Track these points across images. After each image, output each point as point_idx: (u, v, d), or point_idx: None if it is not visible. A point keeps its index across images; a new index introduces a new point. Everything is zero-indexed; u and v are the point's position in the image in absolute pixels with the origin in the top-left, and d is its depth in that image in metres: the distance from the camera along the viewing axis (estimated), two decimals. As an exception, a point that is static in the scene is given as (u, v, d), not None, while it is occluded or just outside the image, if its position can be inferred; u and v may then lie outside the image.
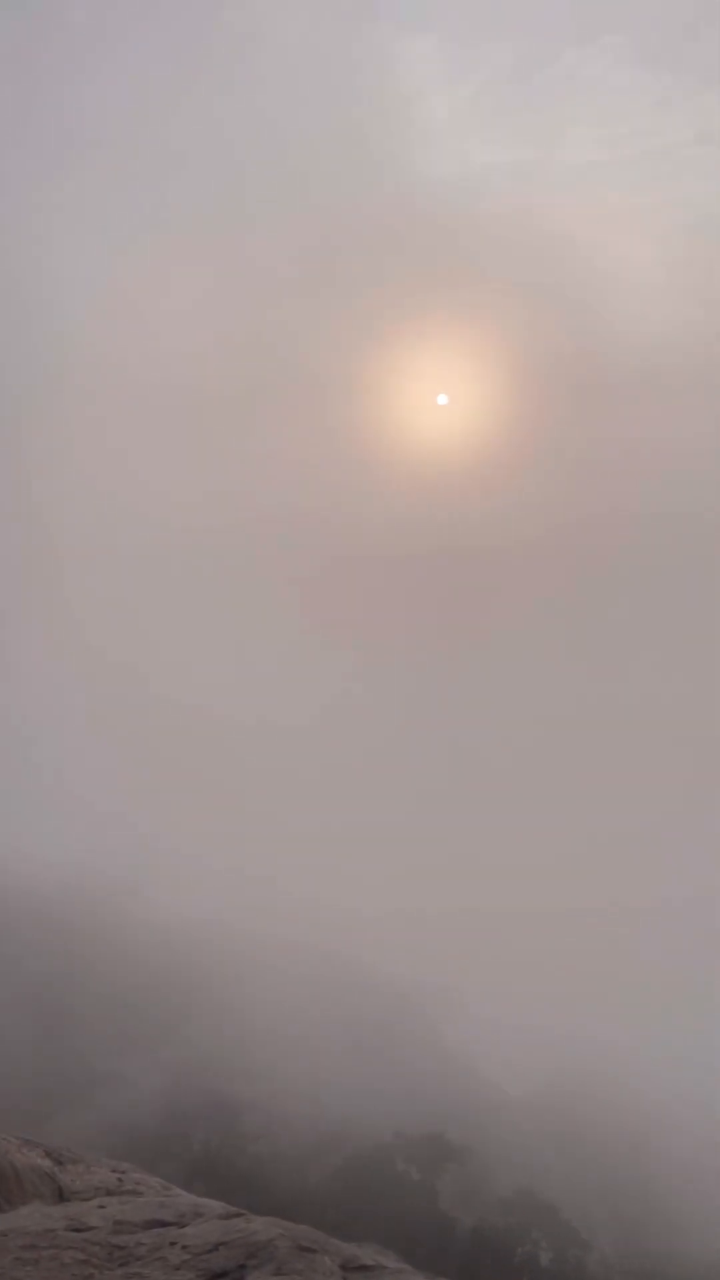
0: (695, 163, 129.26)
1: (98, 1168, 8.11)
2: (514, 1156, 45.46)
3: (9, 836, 59.41)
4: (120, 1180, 7.82)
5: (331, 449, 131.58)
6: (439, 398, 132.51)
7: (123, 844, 64.59)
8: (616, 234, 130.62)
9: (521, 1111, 49.80)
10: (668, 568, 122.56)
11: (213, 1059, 44.84)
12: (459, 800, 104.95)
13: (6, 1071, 40.94)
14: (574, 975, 66.66)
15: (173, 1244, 6.01)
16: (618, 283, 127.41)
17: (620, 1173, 44.48)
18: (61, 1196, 7.12)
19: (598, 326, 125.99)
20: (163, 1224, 6.52)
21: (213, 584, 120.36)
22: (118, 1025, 47.31)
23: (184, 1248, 5.93)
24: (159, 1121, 41.45)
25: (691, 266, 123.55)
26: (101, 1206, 6.78)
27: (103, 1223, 6.31)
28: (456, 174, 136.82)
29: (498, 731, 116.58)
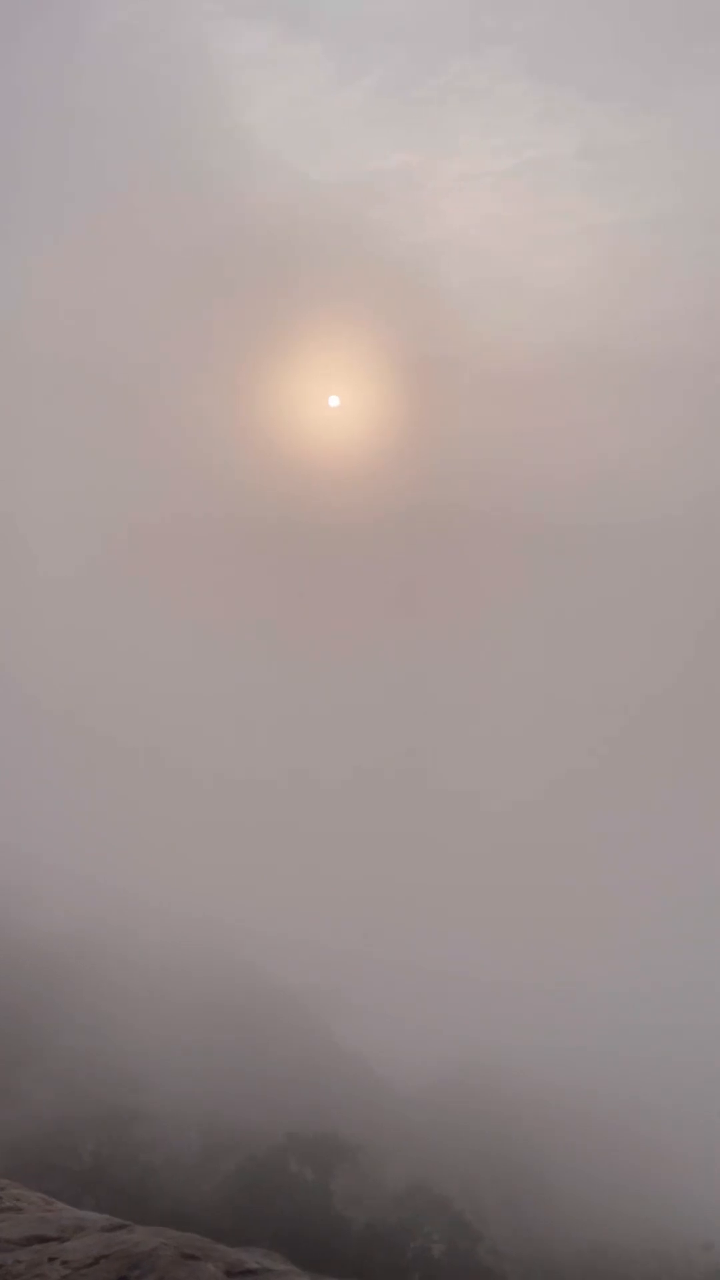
0: (578, 175, 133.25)
1: (-27, 1186, 7.83)
2: (406, 1152, 45.92)
3: None
4: (-2, 1197, 7.56)
5: (221, 451, 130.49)
6: (330, 399, 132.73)
7: (1, 852, 62.54)
8: (503, 242, 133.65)
9: (414, 1107, 50.38)
10: (562, 570, 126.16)
11: (101, 1069, 43.87)
12: (345, 797, 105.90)
13: None
14: (466, 970, 67.86)
15: (52, 1259, 5.84)
16: (505, 289, 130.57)
17: (510, 1163, 45.44)
18: (-66, 1218, 6.84)
19: (487, 331, 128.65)
20: (43, 1239, 6.33)
21: (99, 584, 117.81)
22: (1, 1038, 45.81)
23: (64, 1263, 5.77)
24: (46, 1134, 40.31)
25: (576, 276, 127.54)
26: (-24, 1225, 6.54)
27: (-23, 1242, 6.08)
28: (346, 177, 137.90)
29: (386, 729, 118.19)
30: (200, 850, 77.10)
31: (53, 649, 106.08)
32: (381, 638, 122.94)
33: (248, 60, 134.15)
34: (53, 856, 66.16)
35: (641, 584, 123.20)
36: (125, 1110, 42.62)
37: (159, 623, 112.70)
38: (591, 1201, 42.00)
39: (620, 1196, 42.84)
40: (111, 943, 54.53)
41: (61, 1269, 5.64)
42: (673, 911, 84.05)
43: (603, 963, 72.21)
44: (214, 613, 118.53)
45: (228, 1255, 5.81)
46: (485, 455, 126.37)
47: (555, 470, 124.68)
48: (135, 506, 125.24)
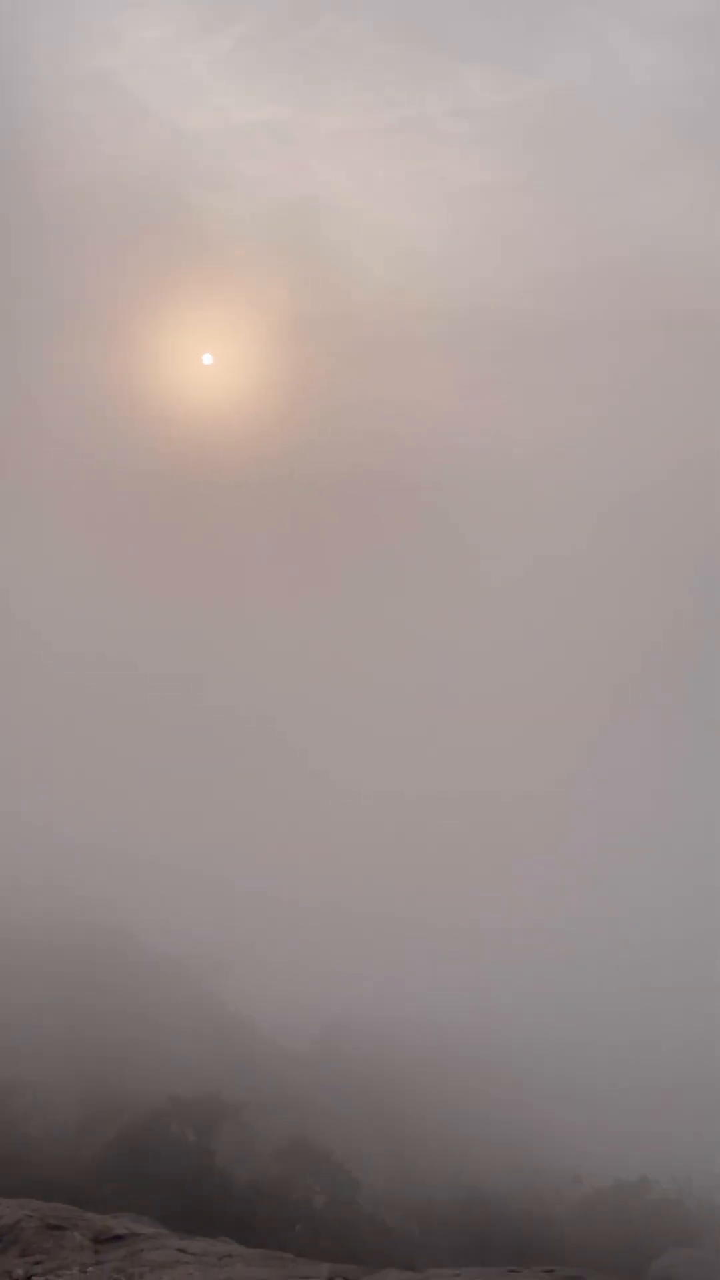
0: (451, 136, 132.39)
1: None
2: (288, 1109, 46.50)
3: None
4: None
5: (89, 408, 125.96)
6: (204, 357, 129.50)
7: None
8: (379, 200, 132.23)
9: (296, 1064, 51.06)
10: (439, 532, 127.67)
11: (-26, 1042, 42.82)
12: (213, 752, 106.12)
13: None
14: (349, 927, 68.95)
15: None
16: (382, 248, 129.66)
17: (390, 1113, 46.63)
18: None
19: (364, 291, 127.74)
20: None
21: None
22: None
23: None
24: None
25: (453, 237, 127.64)
26: None
27: None
28: (217, 128, 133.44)
29: (258, 684, 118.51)
30: (68, 815, 75.66)
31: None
32: (253, 597, 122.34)
33: (112, 1, 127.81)
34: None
35: (522, 546, 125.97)
36: (3, 1083, 41.74)
37: (17, 578, 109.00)
38: (467, 1145, 43.56)
39: (494, 1138, 44.60)
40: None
41: None
42: (541, 853, 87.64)
43: (474, 909, 74.67)
44: (80, 569, 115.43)
45: (95, 1223, 5.65)
46: (362, 416, 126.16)
47: (431, 432, 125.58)
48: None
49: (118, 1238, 5.53)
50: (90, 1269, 5.40)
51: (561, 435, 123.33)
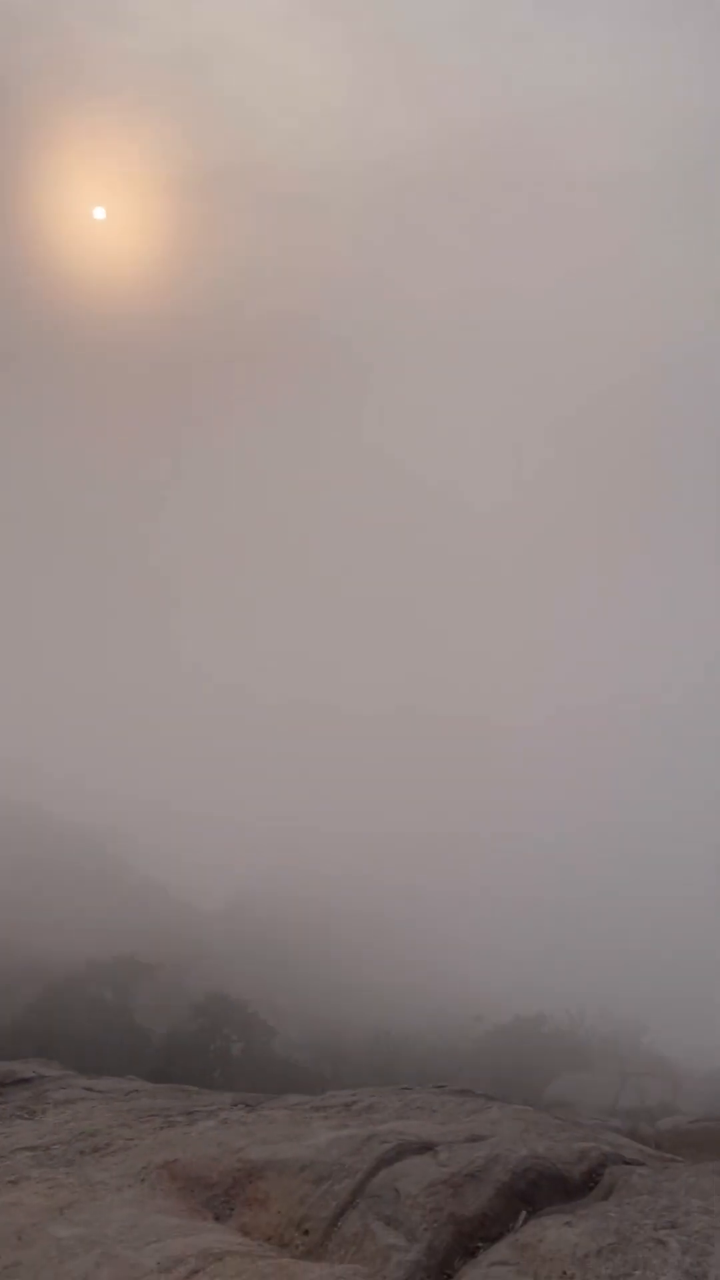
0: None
1: None
2: (204, 967, 48.01)
3: None
4: None
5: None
6: (96, 211, 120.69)
7: None
8: (279, 47, 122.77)
9: (212, 925, 52.54)
10: (327, 380, 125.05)
11: None
12: (123, 627, 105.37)
13: None
14: (259, 781, 70.29)
15: None
16: (282, 99, 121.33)
17: (301, 965, 48.57)
18: None
19: (264, 143, 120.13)
20: None
21: None
22: None
23: None
24: None
25: (355, 88, 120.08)
26: None
27: None
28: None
29: (149, 548, 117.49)
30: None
31: None
32: (142, 455, 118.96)
33: None
34: None
35: (413, 392, 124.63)
36: None
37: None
38: (376, 990, 45.81)
39: (401, 986, 46.97)
40: None
41: None
42: (439, 716, 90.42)
43: (373, 767, 76.93)
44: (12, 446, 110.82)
45: (-1, 1068, 5.51)
46: (262, 275, 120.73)
47: (334, 291, 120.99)
48: None
49: (23, 1080, 5.45)
50: (-4, 1112, 5.28)
51: (470, 291, 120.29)
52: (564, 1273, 3.72)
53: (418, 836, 64.89)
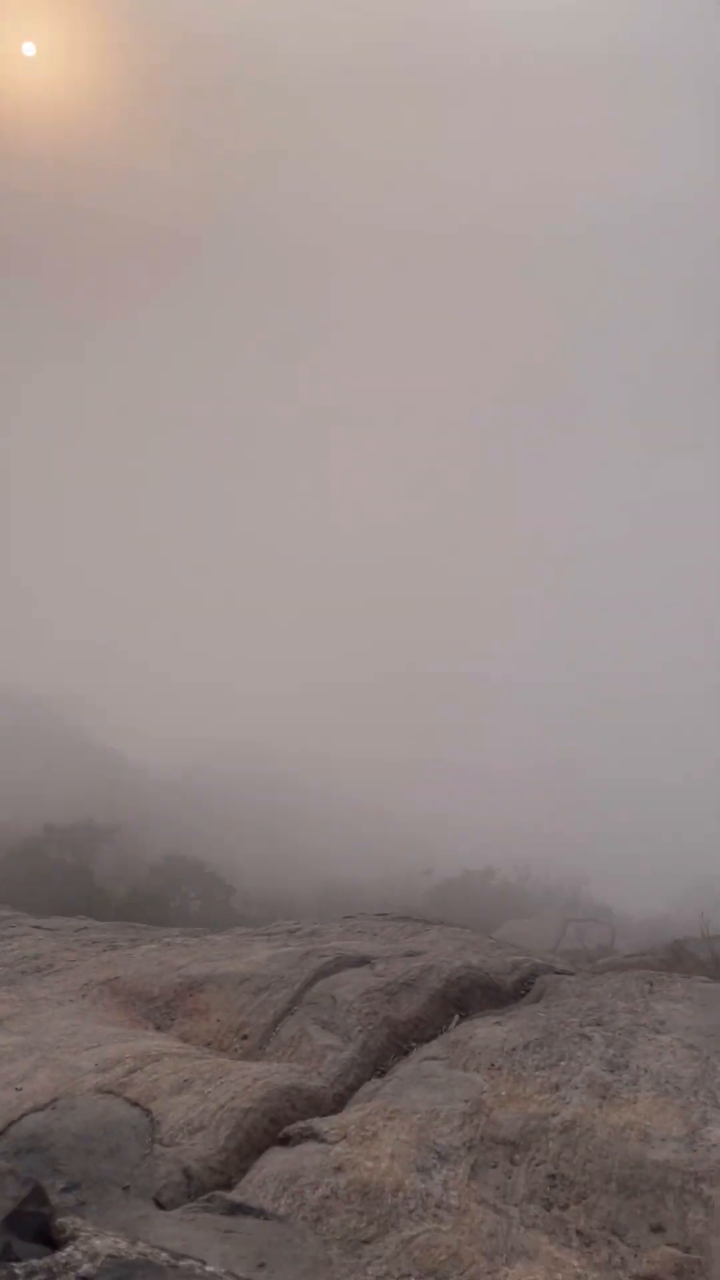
0: None
1: None
2: (163, 830, 49.09)
3: None
4: None
5: None
6: (25, 46, 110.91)
7: None
8: None
9: (170, 790, 53.47)
10: (256, 249, 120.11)
11: None
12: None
13: None
14: (216, 648, 70.55)
15: None
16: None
17: (259, 827, 49.88)
18: None
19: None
20: None
21: None
22: None
23: None
24: None
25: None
26: None
27: None
28: None
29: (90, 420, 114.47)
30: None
31: None
32: (77, 312, 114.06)
33: None
34: None
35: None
36: None
37: None
38: (330, 849, 47.32)
39: (354, 843, 48.55)
40: None
41: None
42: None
43: (325, 634, 77.59)
44: None
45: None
46: (204, 114, 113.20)
47: (274, 130, 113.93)
48: None
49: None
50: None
51: (411, 166, 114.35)
52: (492, 1064, 3.87)
53: (373, 709, 66.06)
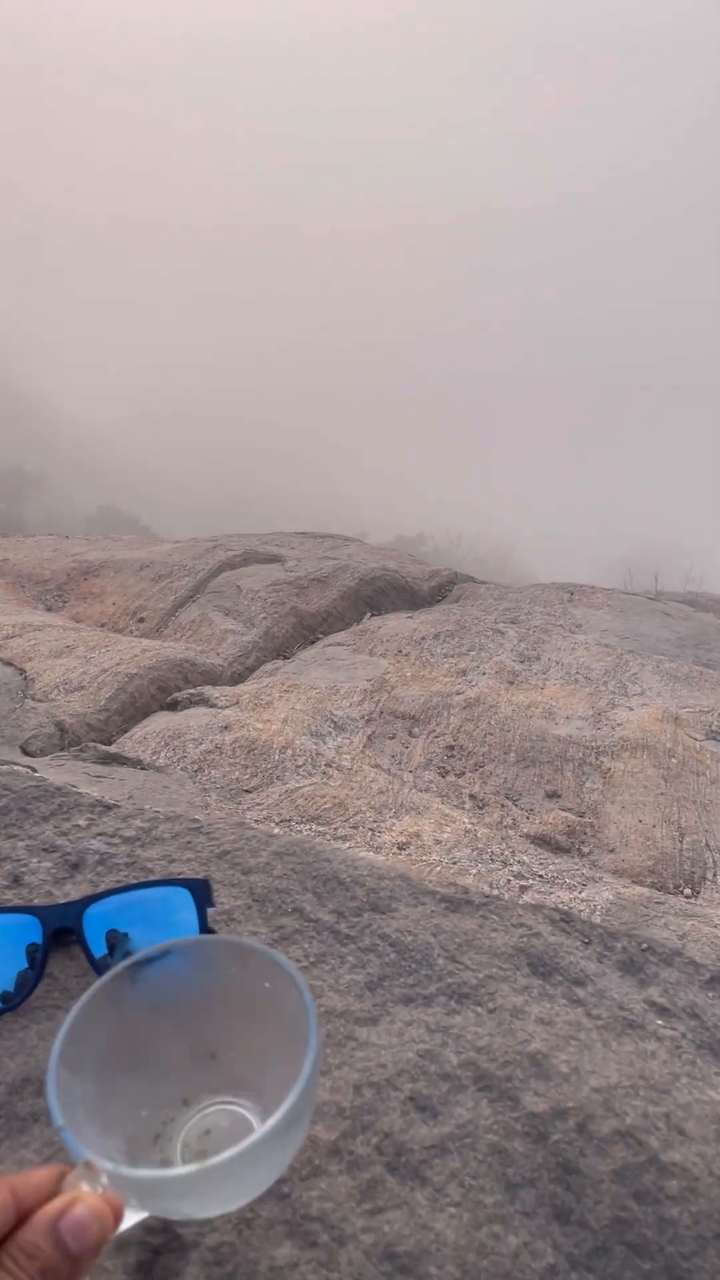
0: None
1: None
2: (96, 480, 48.22)
3: None
4: None
5: None
6: None
7: None
8: None
9: (105, 441, 51.93)
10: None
11: None
12: None
13: None
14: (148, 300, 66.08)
15: None
16: None
17: (193, 480, 49.36)
18: None
19: None
20: None
21: None
22: None
23: None
24: None
25: None
26: None
27: None
28: None
29: None
30: None
31: None
32: None
33: None
34: None
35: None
36: None
37: None
38: (265, 507, 47.25)
39: (289, 502, 48.51)
40: None
41: None
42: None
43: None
44: None
45: None
46: None
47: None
48: None
49: None
50: None
51: None
52: (399, 650, 3.69)
53: (316, 351, 63.33)
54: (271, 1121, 0.64)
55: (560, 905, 1.43)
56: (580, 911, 2.16)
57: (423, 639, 3.79)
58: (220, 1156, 0.61)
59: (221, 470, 52.25)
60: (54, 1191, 0.59)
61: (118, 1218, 0.59)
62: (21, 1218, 0.57)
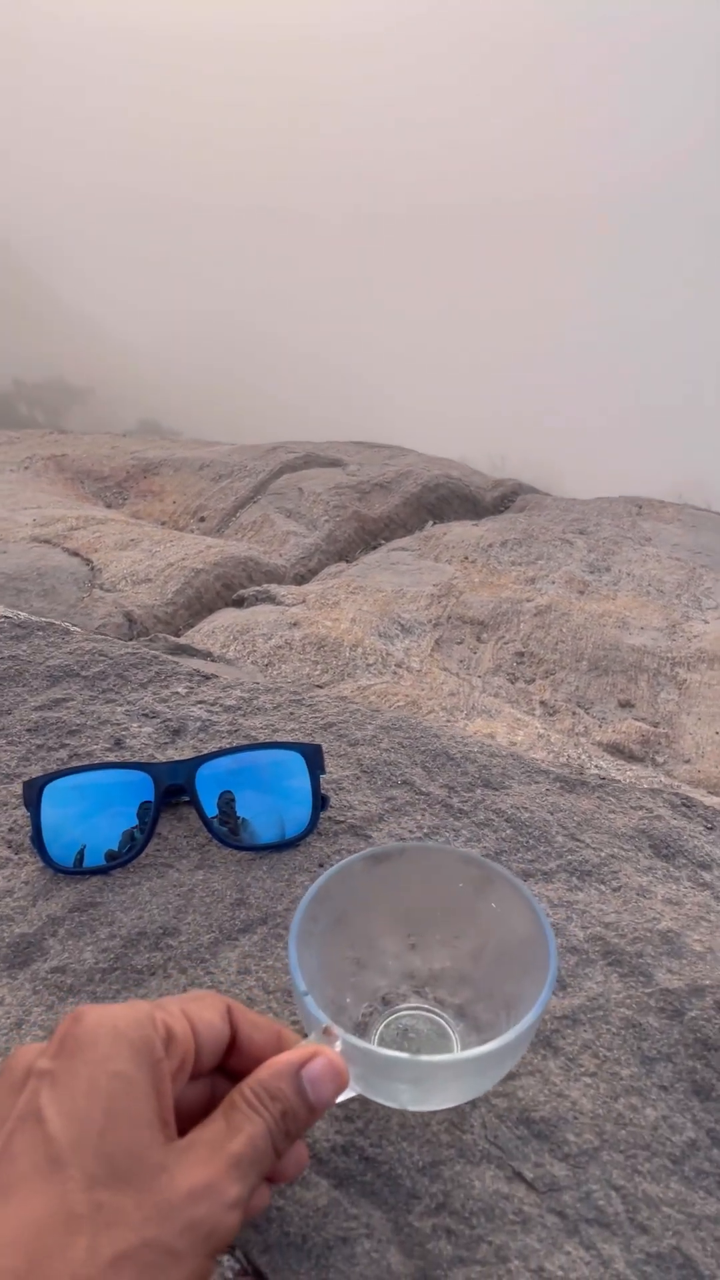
0: None
1: None
2: (137, 396, 48.04)
3: None
4: None
5: None
6: None
7: None
8: None
9: (146, 356, 51.52)
10: None
11: None
12: None
13: None
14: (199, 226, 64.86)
15: None
16: None
17: (231, 397, 48.89)
18: None
19: None
20: None
21: None
22: None
23: None
24: None
25: None
26: None
27: None
28: None
29: None
30: None
31: None
32: None
33: None
34: None
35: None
36: None
37: None
38: (305, 423, 46.86)
39: (333, 426, 47.98)
40: None
41: None
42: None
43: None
44: None
45: None
46: None
47: None
48: None
49: None
50: None
51: None
52: (465, 557, 3.61)
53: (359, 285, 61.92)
54: (521, 1025, 0.62)
55: (679, 791, 1.38)
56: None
57: (489, 546, 3.70)
58: (478, 1049, 0.60)
59: (262, 392, 51.77)
60: (276, 1035, 0.62)
61: (344, 1085, 0.60)
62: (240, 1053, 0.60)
